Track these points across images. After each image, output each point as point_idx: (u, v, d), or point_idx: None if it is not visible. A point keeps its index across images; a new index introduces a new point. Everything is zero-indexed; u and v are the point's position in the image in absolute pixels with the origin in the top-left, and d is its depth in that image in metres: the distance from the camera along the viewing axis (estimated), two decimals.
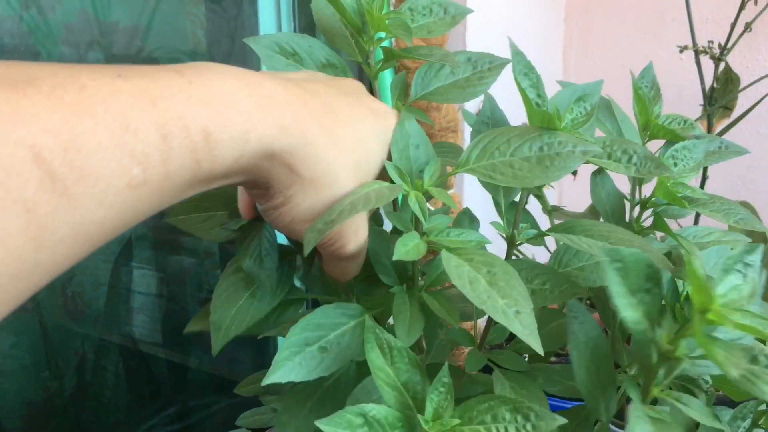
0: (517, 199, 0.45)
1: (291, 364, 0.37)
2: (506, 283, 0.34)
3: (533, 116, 0.39)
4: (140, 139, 0.27)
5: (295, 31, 1.09)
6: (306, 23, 1.10)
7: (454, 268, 0.35)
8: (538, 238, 0.43)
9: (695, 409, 0.38)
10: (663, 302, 0.36)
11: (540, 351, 0.31)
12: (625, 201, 0.54)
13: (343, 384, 0.44)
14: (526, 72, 0.41)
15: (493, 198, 0.45)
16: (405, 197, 0.42)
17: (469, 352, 0.45)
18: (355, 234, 0.39)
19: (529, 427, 0.33)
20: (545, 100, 0.41)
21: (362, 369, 0.46)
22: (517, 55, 0.40)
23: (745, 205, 1.09)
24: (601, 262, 0.36)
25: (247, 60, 1.10)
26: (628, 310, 0.35)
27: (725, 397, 0.44)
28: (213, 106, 0.30)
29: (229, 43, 1.15)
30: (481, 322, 0.49)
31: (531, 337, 0.32)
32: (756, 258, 0.33)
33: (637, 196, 0.54)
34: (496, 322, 0.45)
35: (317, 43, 0.46)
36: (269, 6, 1.04)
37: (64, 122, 0.25)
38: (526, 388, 0.42)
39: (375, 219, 0.50)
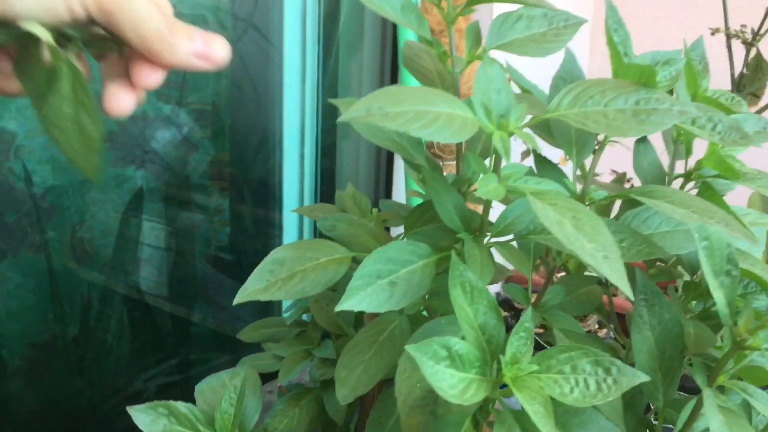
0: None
1: (363, 294, 0.36)
2: (592, 229, 0.33)
3: (626, 71, 0.38)
4: None
5: None
6: None
7: (540, 209, 0.34)
8: (608, 200, 0.42)
9: (760, 401, 0.38)
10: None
11: (630, 296, 0.31)
12: None
13: (398, 336, 0.44)
14: (616, 28, 0.40)
15: (565, 154, 0.44)
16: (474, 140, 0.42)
17: (523, 311, 0.45)
18: None
19: (610, 381, 0.33)
20: (632, 59, 0.41)
21: (414, 321, 0.45)
22: (611, 9, 0.40)
23: None
24: (695, 238, 0.35)
25: (271, 13, 1.09)
26: (717, 291, 0.34)
27: None
28: None
29: None
30: None
31: (620, 281, 0.31)
32: None
33: (676, 170, 0.53)
34: (553, 283, 0.45)
35: None
36: None
37: None
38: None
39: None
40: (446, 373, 0.32)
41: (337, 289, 0.58)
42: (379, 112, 0.33)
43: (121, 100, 0.37)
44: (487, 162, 0.43)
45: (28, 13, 0.32)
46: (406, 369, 0.38)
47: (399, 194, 1.23)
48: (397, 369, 0.38)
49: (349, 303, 0.36)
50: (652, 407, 0.54)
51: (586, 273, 0.58)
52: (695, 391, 0.53)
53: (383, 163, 1.22)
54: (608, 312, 0.57)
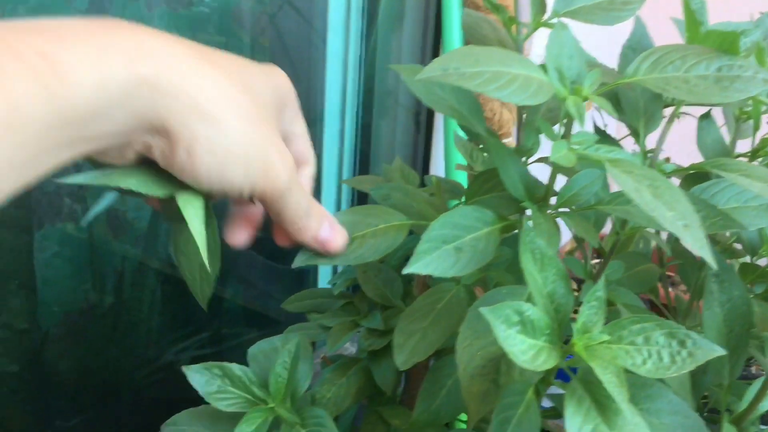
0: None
1: (429, 258, 0.36)
2: (671, 197, 0.32)
3: (704, 39, 0.37)
4: None
5: None
6: None
7: (617, 175, 0.33)
8: (678, 173, 0.41)
9: None
10: None
11: (713, 264, 0.30)
12: None
13: (455, 305, 0.44)
14: None
15: (629, 126, 0.43)
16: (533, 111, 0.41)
17: (584, 284, 0.44)
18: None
19: (684, 354, 0.32)
20: (707, 27, 0.39)
21: (471, 292, 0.45)
22: None
23: None
24: None
25: None
26: None
27: None
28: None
29: None
30: None
31: (703, 250, 0.30)
32: None
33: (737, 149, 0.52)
34: (614, 258, 0.44)
35: None
36: None
37: None
38: None
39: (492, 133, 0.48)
40: (518, 338, 0.31)
41: (385, 261, 0.57)
42: (455, 72, 0.32)
43: (240, 235, 0.40)
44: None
45: (209, 189, 0.34)
46: (467, 337, 0.37)
47: (436, 172, 1.22)
48: (458, 337, 0.37)
49: (417, 266, 0.35)
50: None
51: None
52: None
53: (421, 141, 1.21)
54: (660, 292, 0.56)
